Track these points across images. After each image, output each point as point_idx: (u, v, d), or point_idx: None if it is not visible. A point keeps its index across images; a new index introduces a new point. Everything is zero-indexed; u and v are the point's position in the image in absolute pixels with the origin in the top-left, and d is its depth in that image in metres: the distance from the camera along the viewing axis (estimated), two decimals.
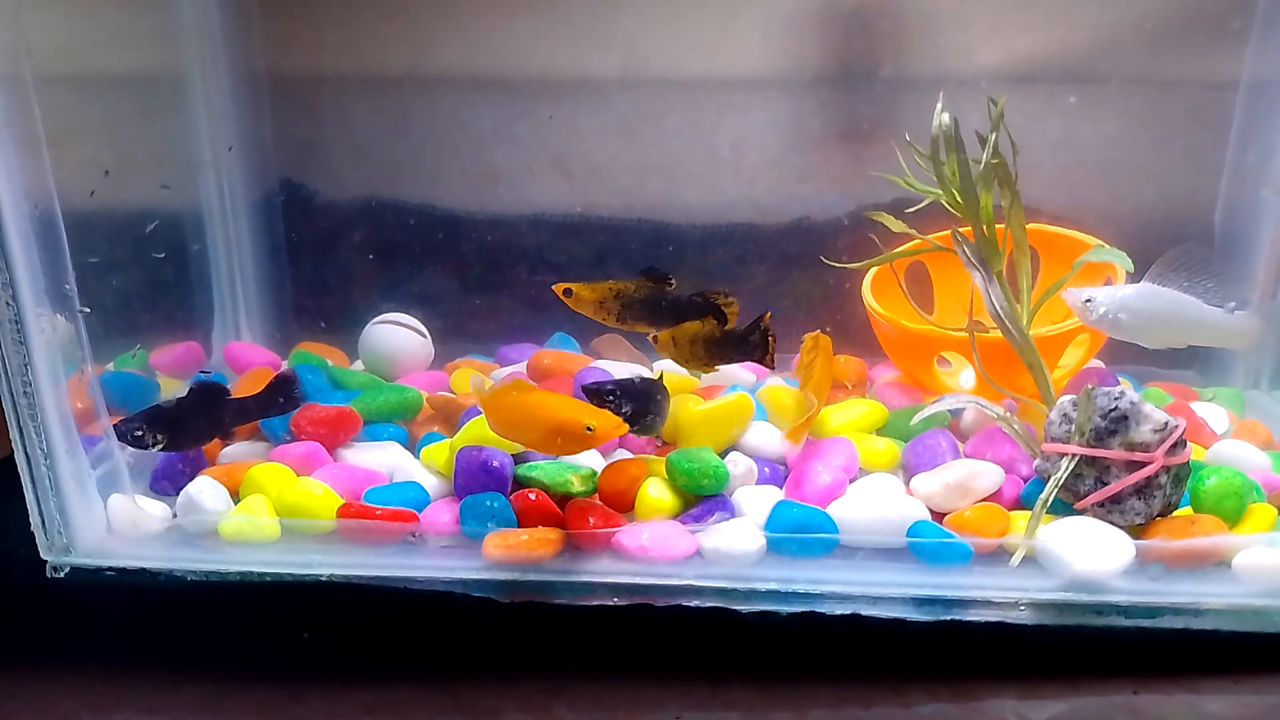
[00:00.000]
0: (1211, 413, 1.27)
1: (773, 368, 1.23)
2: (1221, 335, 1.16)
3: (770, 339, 1.20)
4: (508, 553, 1.02)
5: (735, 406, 1.19)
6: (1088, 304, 1.12)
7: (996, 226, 1.16)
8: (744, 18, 1.40)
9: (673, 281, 1.20)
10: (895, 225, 1.22)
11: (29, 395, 0.99)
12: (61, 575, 1.05)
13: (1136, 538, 1.01)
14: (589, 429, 1.00)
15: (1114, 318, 1.11)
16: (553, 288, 1.21)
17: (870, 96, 1.40)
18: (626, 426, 1.03)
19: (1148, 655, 0.98)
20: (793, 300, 1.47)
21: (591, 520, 1.04)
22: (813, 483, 1.10)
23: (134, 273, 1.24)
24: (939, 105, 1.12)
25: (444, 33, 1.45)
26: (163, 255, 1.27)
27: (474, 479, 1.09)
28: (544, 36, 1.44)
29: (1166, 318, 1.12)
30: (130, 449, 1.09)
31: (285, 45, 1.48)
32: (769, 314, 1.21)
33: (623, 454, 1.21)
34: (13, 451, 1.01)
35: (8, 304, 0.96)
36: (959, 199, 1.15)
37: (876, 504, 1.06)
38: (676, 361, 1.20)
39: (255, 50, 1.46)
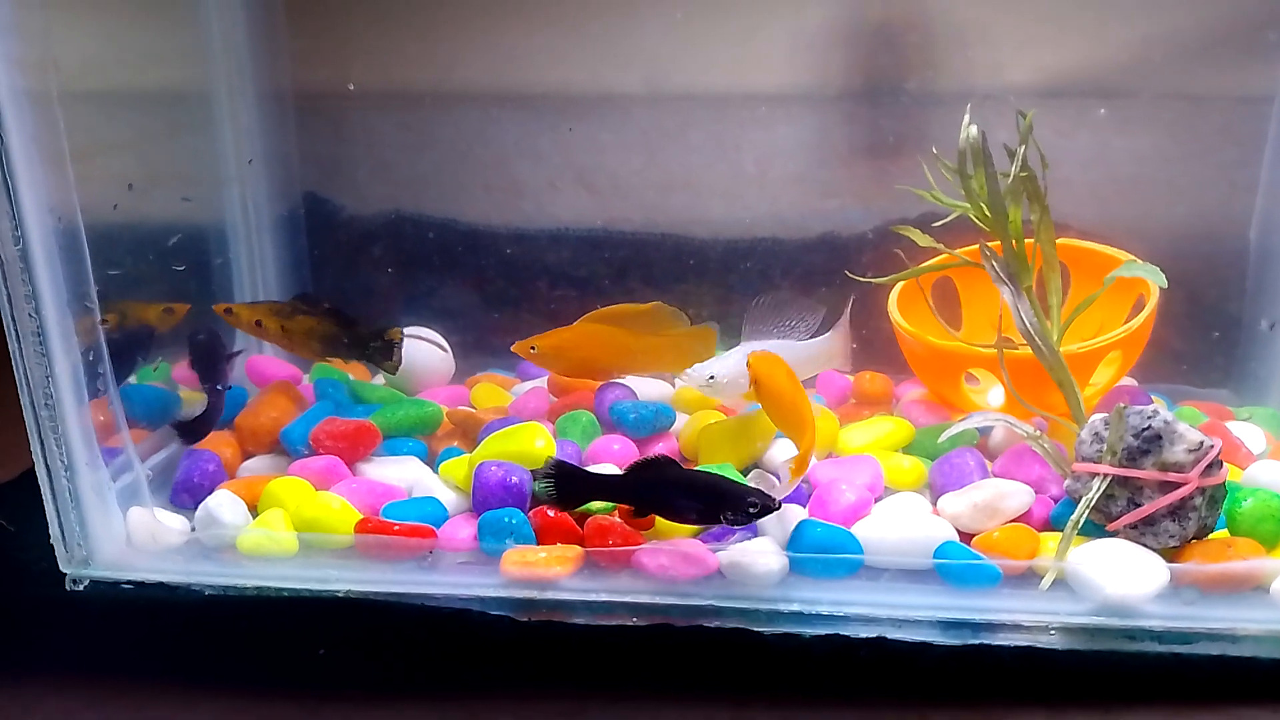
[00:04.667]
0: (1248, 433, 1.24)
1: (393, 373, 1.27)
2: (821, 360, 1.24)
3: (395, 349, 1.25)
4: (526, 570, 1.01)
5: (757, 422, 1.18)
6: (711, 380, 1.15)
7: (1026, 241, 1.14)
8: (768, 32, 1.40)
9: (327, 305, 1.28)
10: (922, 240, 1.20)
11: (50, 408, 1.00)
12: (80, 588, 1.05)
13: (1170, 561, 0.99)
14: None
15: (737, 383, 1.15)
16: (213, 307, 1.29)
17: (896, 111, 1.39)
18: None
19: (1183, 682, 0.95)
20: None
21: (611, 539, 1.03)
22: (837, 501, 1.08)
23: (157, 286, 1.24)
24: (966, 118, 1.11)
25: (468, 49, 1.45)
26: (184, 268, 1.28)
27: (493, 495, 1.08)
28: (567, 52, 1.44)
29: None
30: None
31: (311, 61, 1.49)
32: (399, 329, 1.27)
33: None
34: (32, 464, 1.01)
35: (30, 316, 0.97)
36: (987, 213, 1.13)
37: (902, 524, 1.04)
38: (286, 349, 1.26)
39: (281, 66, 1.48)
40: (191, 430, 1.21)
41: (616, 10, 1.41)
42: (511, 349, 1.24)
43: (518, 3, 1.42)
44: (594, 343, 1.22)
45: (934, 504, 1.10)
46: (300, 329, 1.25)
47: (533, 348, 1.22)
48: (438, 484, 1.15)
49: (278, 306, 1.29)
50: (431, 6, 1.43)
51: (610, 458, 1.19)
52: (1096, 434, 1.04)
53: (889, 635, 0.96)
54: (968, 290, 1.37)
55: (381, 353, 1.26)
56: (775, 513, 0.98)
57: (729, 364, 1.16)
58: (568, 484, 1.02)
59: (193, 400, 1.30)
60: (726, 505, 0.98)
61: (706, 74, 1.44)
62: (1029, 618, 0.97)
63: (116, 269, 1.11)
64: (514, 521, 1.04)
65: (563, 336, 1.23)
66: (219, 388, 1.21)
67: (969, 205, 1.14)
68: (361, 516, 1.08)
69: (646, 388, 1.33)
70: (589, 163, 1.48)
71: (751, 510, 0.97)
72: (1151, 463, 1.00)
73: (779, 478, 1.15)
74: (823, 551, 1.01)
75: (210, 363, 1.23)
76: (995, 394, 1.32)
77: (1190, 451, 0.99)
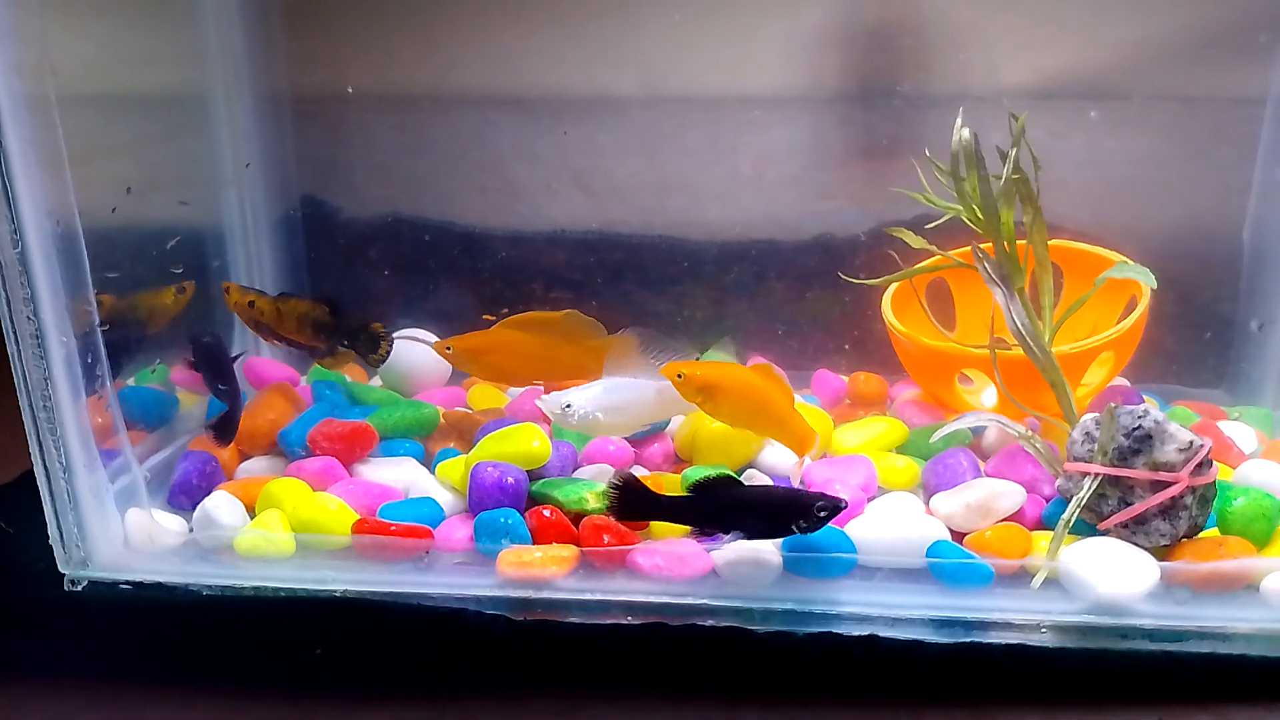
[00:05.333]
0: (1239, 432, 1.25)
1: (375, 366, 1.30)
2: (679, 405, 1.14)
3: (384, 343, 1.27)
4: (522, 570, 1.01)
5: None
6: (568, 409, 1.11)
7: (1018, 243, 1.14)
8: (763, 34, 1.40)
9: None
10: (915, 242, 1.21)
11: (49, 410, 1.00)
12: (79, 589, 1.05)
13: (1162, 560, 0.99)
14: None
15: (593, 417, 1.11)
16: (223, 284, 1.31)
17: (891, 113, 1.39)
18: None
19: (1174, 680, 0.95)
20: (812, 317, 1.46)
21: (606, 538, 1.04)
22: None
23: (155, 289, 1.25)
24: (959, 121, 1.11)
25: (464, 51, 1.46)
26: (182, 271, 1.28)
27: (489, 495, 1.09)
28: (563, 55, 1.44)
29: (635, 403, 1.13)
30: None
31: (308, 64, 1.50)
32: (380, 324, 1.29)
33: (639, 471, 1.20)
34: (31, 466, 1.02)
35: (29, 319, 0.97)
36: (980, 215, 1.14)
37: (895, 524, 1.05)
38: (275, 333, 1.29)
39: (278, 69, 1.48)
40: (223, 432, 1.20)
41: (613, 13, 1.42)
42: (432, 347, 1.25)
43: (514, 5, 1.42)
44: (507, 349, 1.21)
45: (927, 504, 1.11)
46: (294, 313, 1.27)
47: (449, 348, 1.22)
48: (434, 485, 1.16)
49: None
50: (428, 9, 1.44)
51: (606, 458, 1.19)
52: (1088, 434, 1.04)
53: (882, 634, 0.97)
54: (961, 291, 1.37)
55: (368, 344, 1.27)
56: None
57: (588, 395, 1.12)
58: (631, 500, 1.00)
59: (190, 402, 1.30)
60: (796, 515, 0.97)
61: (702, 76, 1.45)
62: (1021, 616, 0.98)
63: (115, 272, 1.11)
64: (510, 522, 1.05)
65: (477, 340, 1.22)
66: (222, 387, 1.21)
67: (962, 207, 1.15)
68: (358, 517, 1.08)
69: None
70: (585, 165, 1.48)
71: (822, 515, 0.97)
72: (1143, 462, 1.00)
73: (789, 482, 1.16)
74: (816, 551, 1.02)
75: (218, 364, 1.23)
76: (989, 394, 1.32)
77: (1181, 451, 0.99)
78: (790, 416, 1.11)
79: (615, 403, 1.13)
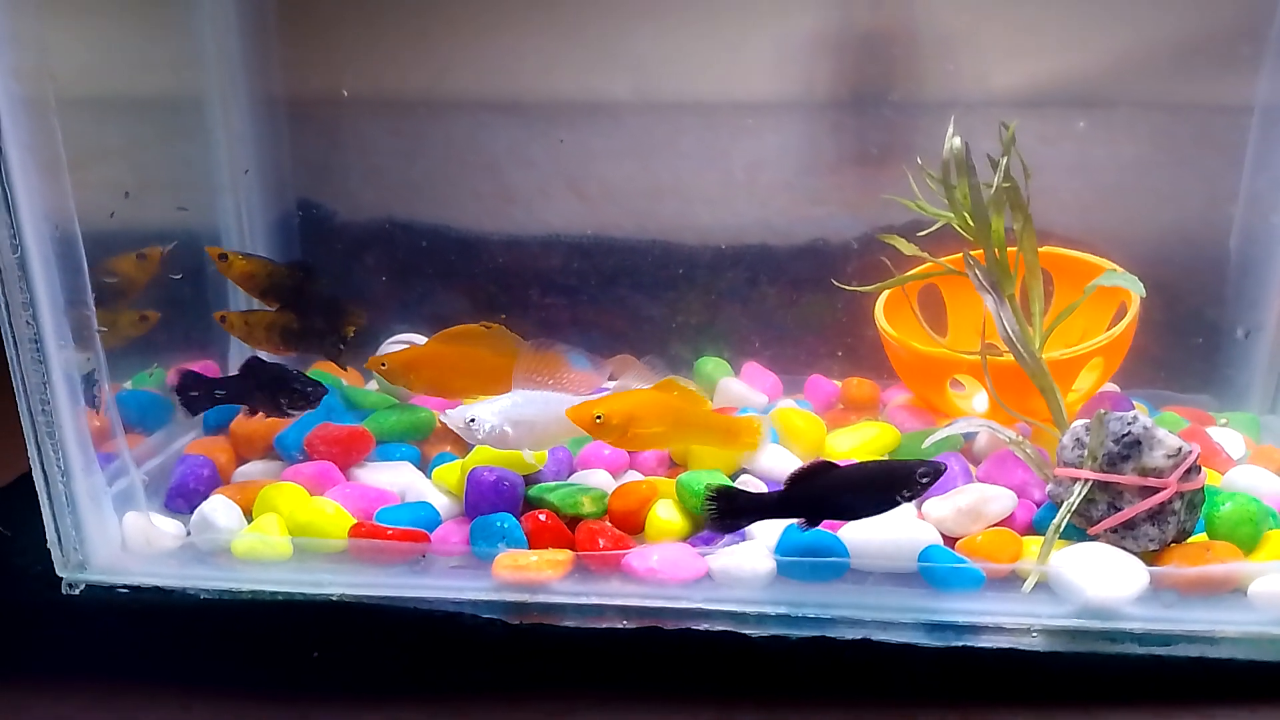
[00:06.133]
0: (1227, 437, 1.26)
1: (343, 368, 1.35)
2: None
3: (341, 354, 1.30)
4: (517, 574, 1.02)
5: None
6: (472, 424, 1.09)
7: (1008, 250, 1.15)
8: (757, 41, 1.41)
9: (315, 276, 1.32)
10: (907, 248, 1.22)
11: (47, 413, 1.00)
12: (76, 592, 1.05)
13: (1150, 564, 1.01)
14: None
15: (500, 432, 1.09)
16: (207, 249, 1.31)
17: (882, 120, 1.40)
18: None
19: (1163, 683, 0.96)
20: (805, 322, 1.47)
21: (601, 542, 1.05)
22: None
23: (151, 293, 1.25)
24: (950, 129, 1.13)
25: (459, 56, 1.46)
26: (179, 276, 1.28)
27: (485, 499, 1.09)
28: (558, 59, 1.45)
29: (547, 418, 1.11)
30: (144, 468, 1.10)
31: (303, 68, 1.50)
32: (351, 327, 1.31)
33: (633, 475, 1.21)
34: (28, 469, 1.02)
35: (28, 323, 0.98)
36: (970, 222, 1.15)
37: (888, 528, 1.05)
38: (247, 342, 1.30)
39: (274, 73, 1.48)
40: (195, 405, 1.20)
41: (607, 18, 1.43)
42: (365, 365, 1.25)
43: (509, 10, 1.43)
44: (440, 362, 1.21)
45: (919, 508, 1.12)
46: (262, 324, 1.27)
47: (383, 364, 1.22)
48: (430, 489, 1.17)
49: (263, 270, 1.30)
50: (423, 14, 1.45)
51: (601, 463, 1.20)
52: (1078, 439, 1.05)
53: (874, 637, 0.97)
54: (953, 297, 1.38)
55: (334, 346, 1.27)
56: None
57: (494, 409, 1.10)
58: (731, 507, 1.00)
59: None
60: (900, 486, 0.96)
61: (696, 82, 1.45)
62: (1012, 620, 0.98)
63: (113, 276, 1.11)
64: (506, 526, 1.06)
65: (409, 356, 1.23)
66: (220, 393, 1.21)
67: (953, 214, 1.16)
68: (355, 521, 1.09)
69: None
70: (580, 169, 1.49)
71: (924, 480, 0.96)
72: (1131, 468, 1.02)
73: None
74: (810, 555, 1.03)
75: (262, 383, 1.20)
76: (980, 400, 1.34)
77: (1169, 457, 1.01)
78: (714, 420, 1.12)
79: (525, 417, 1.10)
